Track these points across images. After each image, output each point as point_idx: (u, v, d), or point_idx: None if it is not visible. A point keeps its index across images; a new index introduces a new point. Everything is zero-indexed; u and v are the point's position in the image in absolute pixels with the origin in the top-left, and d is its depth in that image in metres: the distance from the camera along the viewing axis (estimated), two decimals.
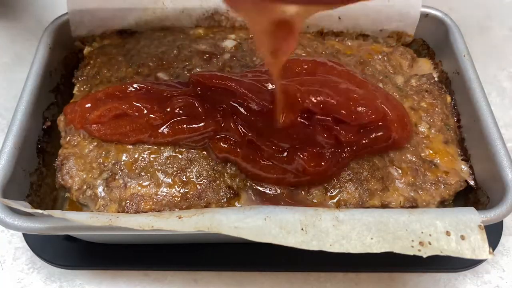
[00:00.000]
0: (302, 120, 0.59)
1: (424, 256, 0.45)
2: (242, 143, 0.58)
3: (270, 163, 0.57)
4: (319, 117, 0.59)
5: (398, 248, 0.45)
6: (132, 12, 0.72)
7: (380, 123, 0.60)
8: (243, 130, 0.58)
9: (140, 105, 0.61)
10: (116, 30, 0.74)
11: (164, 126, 0.60)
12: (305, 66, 0.65)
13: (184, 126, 0.59)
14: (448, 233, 0.46)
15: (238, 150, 0.58)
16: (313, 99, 0.58)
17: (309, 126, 0.59)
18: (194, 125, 0.59)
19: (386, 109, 0.61)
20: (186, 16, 0.74)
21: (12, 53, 0.93)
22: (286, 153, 0.57)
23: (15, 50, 0.93)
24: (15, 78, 0.88)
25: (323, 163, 0.56)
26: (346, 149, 0.59)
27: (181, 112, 0.60)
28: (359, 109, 0.58)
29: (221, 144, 0.59)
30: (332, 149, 0.58)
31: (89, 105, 0.62)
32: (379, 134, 0.60)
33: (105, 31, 0.74)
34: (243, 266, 0.65)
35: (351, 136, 0.58)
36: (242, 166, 0.59)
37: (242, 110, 0.60)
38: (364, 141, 0.59)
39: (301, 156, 0.56)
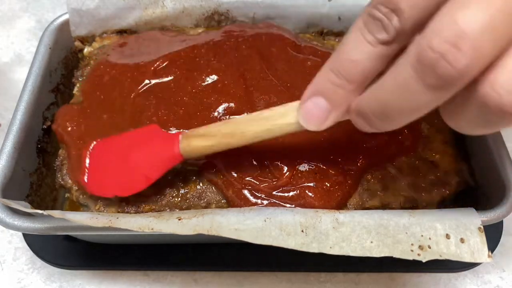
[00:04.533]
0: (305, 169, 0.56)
1: (424, 260, 0.44)
2: (235, 185, 0.55)
3: (267, 201, 0.54)
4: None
5: (398, 253, 0.45)
6: (132, 12, 0.72)
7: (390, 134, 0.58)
8: (236, 174, 0.55)
9: None
10: (116, 30, 0.74)
11: None
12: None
13: None
14: (447, 236, 0.46)
15: (230, 190, 0.55)
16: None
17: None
18: None
19: None
20: (186, 16, 0.74)
21: (12, 53, 0.92)
22: (290, 193, 0.54)
23: (15, 50, 0.93)
24: (15, 78, 0.88)
25: (333, 200, 0.54)
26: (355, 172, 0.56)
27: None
28: (369, 144, 0.57)
29: (212, 178, 0.56)
30: (341, 184, 0.55)
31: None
32: (390, 145, 0.58)
33: (105, 31, 0.74)
34: (243, 266, 0.65)
35: (362, 162, 0.56)
36: (230, 202, 0.56)
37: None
38: (375, 157, 0.57)
39: (309, 194, 0.54)
